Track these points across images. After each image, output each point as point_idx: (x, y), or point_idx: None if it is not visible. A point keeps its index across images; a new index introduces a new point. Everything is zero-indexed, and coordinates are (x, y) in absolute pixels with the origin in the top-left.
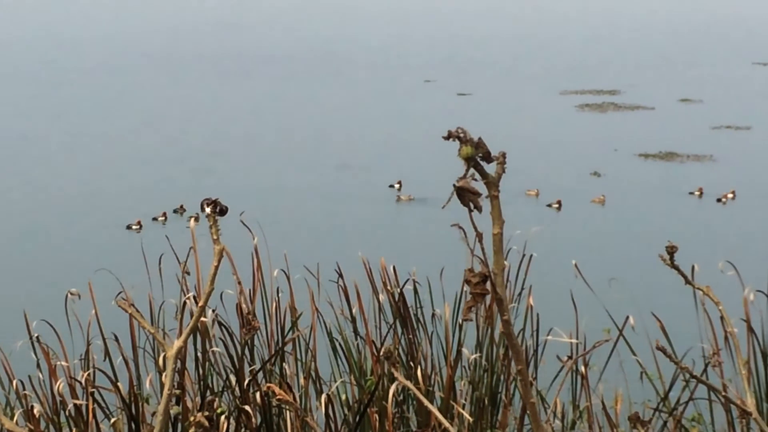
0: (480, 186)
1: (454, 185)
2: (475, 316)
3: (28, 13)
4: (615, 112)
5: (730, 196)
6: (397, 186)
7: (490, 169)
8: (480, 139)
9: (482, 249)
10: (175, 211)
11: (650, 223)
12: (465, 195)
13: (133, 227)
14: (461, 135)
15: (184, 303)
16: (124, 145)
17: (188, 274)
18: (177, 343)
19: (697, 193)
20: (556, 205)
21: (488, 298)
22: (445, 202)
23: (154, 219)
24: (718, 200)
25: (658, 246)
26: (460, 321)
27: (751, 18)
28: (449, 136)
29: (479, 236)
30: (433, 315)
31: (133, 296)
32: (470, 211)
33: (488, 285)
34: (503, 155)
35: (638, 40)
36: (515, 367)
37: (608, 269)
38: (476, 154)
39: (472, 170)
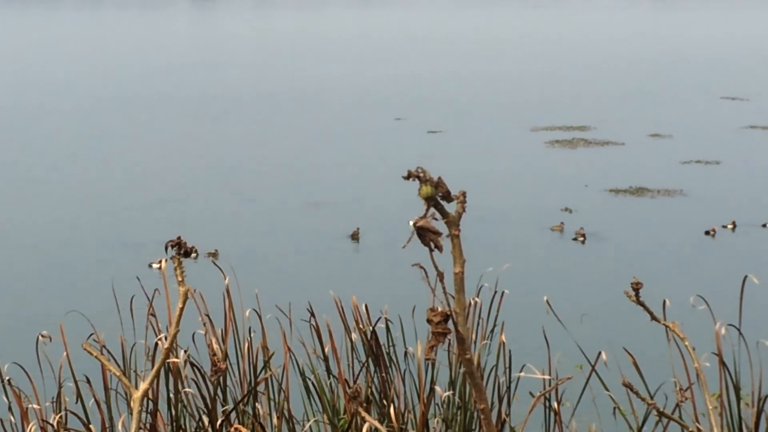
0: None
1: (414, 224)
2: (447, 354)
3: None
4: (585, 148)
5: (715, 229)
6: (355, 231)
7: (451, 208)
8: (440, 178)
9: (443, 288)
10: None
11: (622, 258)
12: (425, 234)
13: (154, 266)
14: (421, 174)
15: (156, 345)
16: (85, 187)
17: (153, 316)
18: (143, 386)
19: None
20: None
21: None
22: (405, 242)
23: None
24: (706, 233)
25: (638, 280)
26: (425, 359)
27: (719, 54)
28: (409, 176)
29: (440, 275)
30: (406, 353)
31: (105, 338)
32: (431, 250)
33: (450, 324)
34: (463, 194)
35: (607, 76)
36: (478, 405)
37: (581, 305)
38: (436, 194)
39: (432, 209)
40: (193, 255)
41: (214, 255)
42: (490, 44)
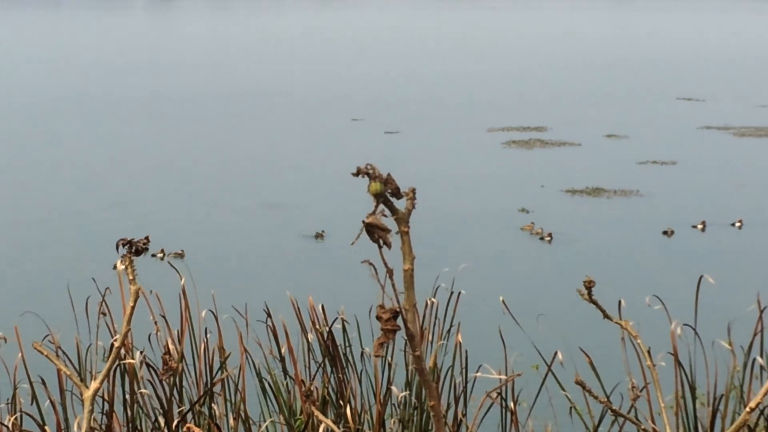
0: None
1: (363, 221)
2: (404, 355)
3: None
4: (541, 149)
5: (673, 229)
6: (320, 232)
7: (400, 204)
8: (389, 175)
9: (393, 285)
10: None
11: (579, 258)
12: (374, 231)
13: (158, 255)
14: (370, 171)
15: (111, 345)
16: (39, 189)
17: (104, 315)
18: (93, 385)
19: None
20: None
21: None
22: (354, 239)
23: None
24: (664, 233)
25: (603, 280)
26: (373, 356)
27: (675, 55)
28: (358, 173)
29: (389, 272)
30: (362, 353)
31: (60, 339)
32: (380, 247)
33: (399, 321)
34: (413, 191)
35: (564, 77)
36: (428, 403)
37: (539, 305)
38: (385, 191)
39: (381, 206)
40: (159, 255)
41: (181, 255)
42: (447, 45)
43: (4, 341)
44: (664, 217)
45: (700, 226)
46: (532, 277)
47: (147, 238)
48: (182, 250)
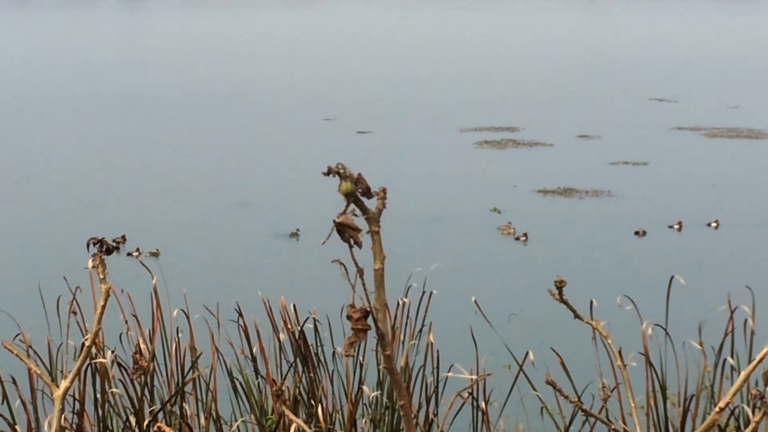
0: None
1: (334, 221)
2: (375, 355)
3: None
4: (514, 149)
5: (644, 230)
6: (295, 231)
7: (371, 204)
8: (359, 174)
9: (364, 285)
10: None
11: (551, 258)
12: (345, 231)
13: (134, 254)
14: (341, 171)
15: (83, 344)
16: (10, 188)
17: (74, 314)
18: (64, 384)
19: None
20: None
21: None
22: (325, 238)
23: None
24: (636, 233)
25: (575, 281)
26: (343, 356)
27: (647, 56)
28: (329, 172)
29: (360, 272)
30: (334, 353)
31: (31, 338)
32: (350, 246)
33: (370, 320)
34: (384, 190)
35: (536, 77)
36: (398, 402)
37: (511, 305)
38: (356, 190)
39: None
40: (135, 254)
41: (156, 254)
42: (420, 45)
43: None
44: (636, 217)
45: (676, 227)
46: (504, 277)
47: (123, 236)
48: (157, 249)
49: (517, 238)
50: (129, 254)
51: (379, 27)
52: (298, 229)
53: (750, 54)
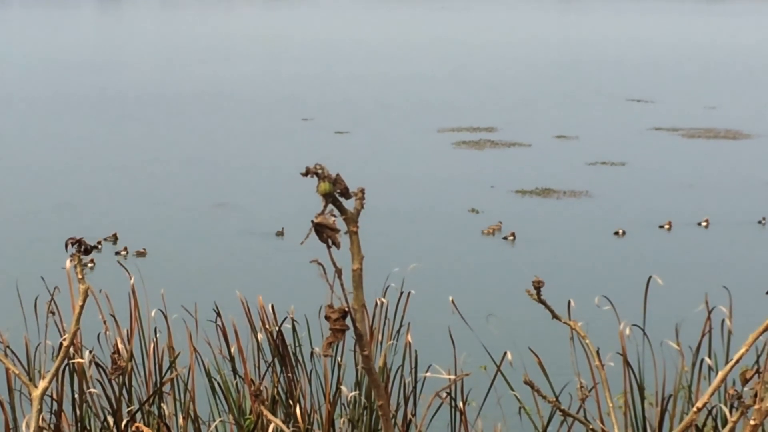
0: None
1: (312, 221)
2: (354, 354)
3: None
4: (492, 149)
5: (624, 230)
6: (280, 230)
7: (350, 204)
8: (338, 175)
9: (342, 285)
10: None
11: (529, 258)
12: (323, 231)
13: (121, 253)
14: (319, 171)
15: (60, 344)
16: None
17: (53, 314)
18: (42, 384)
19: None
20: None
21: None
22: (303, 238)
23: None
24: (615, 233)
25: (553, 281)
26: (321, 356)
27: (624, 56)
28: (307, 173)
29: (338, 272)
30: (312, 353)
31: (9, 338)
32: (329, 247)
33: (348, 320)
34: (362, 191)
35: (514, 78)
36: (376, 402)
37: (489, 305)
38: (334, 191)
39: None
40: (123, 253)
41: (143, 254)
42: (398, 46)
43: None
44: (614, 217)
45: (666, 226)
46: (482, 277)
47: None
48: (144, 249)
49: (505, 238)
50: (117, 253)
51: (358, 28)
52: (282, 228)
53: (727, 55)
